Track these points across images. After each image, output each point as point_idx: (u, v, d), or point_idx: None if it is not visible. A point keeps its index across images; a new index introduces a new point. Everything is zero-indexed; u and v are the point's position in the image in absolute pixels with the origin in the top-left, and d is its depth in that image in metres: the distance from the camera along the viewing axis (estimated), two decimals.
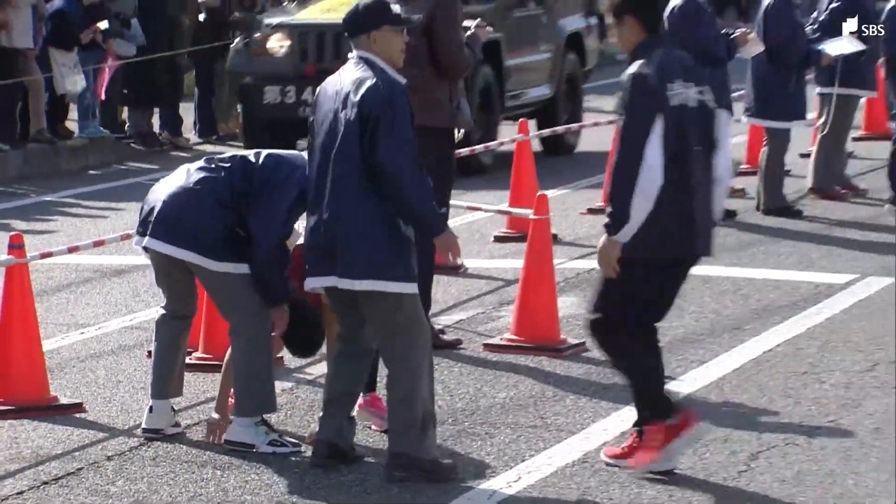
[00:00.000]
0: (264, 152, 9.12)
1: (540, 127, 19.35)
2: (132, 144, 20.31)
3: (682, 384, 10.58)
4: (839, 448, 9.40)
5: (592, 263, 13.77)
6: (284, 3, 17.87)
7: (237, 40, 18.03)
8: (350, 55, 8.74)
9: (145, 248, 9.13)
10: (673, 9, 15.43)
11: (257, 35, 17.47)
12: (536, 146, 17.90)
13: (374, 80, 8.50)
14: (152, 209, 9.05)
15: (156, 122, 20.66)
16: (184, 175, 9.11)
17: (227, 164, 9.09)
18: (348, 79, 8.57)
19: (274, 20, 17.65)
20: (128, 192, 17.43)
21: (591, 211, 15.78)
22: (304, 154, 8.91)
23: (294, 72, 17.25)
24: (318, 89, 8.79)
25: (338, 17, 15.93)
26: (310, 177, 8.71)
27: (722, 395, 10.42)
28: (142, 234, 9.10)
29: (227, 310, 9.26)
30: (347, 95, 8.51)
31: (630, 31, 8.80)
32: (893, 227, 15.25)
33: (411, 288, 8.60)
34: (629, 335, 8.84)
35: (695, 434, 8.83)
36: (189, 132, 21.08)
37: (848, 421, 9.86)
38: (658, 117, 8.58)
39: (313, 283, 8.75)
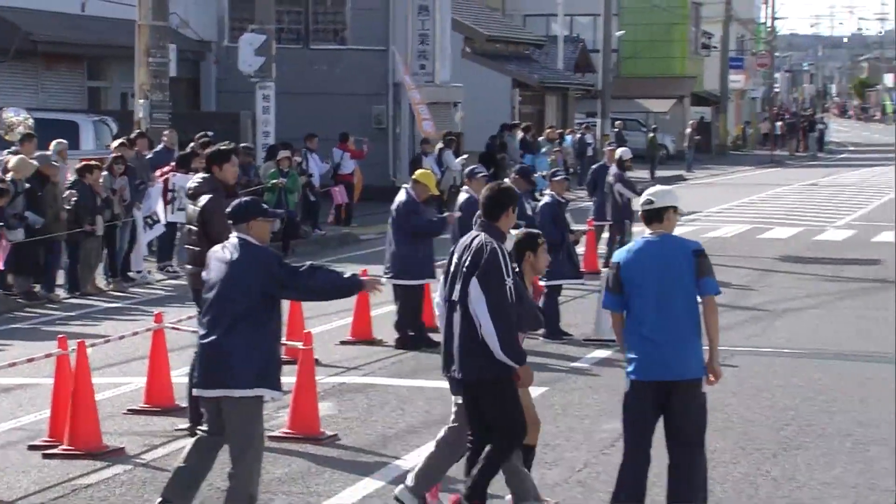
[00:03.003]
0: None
1: None
2: (17, 300, 19.75)
3: (406, 462, 10.57)
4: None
5: (341, 379, 13.83)
6: None
7: None
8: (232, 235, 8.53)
9: None
10: (399, 204, 15.63)
11: None
12: None
13: (257, 252, 8.37)
14: None
15: None
16: None
17: None
18: (235, 252, 8.37)
19: None
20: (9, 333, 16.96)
21: (343, 342, 15.80)
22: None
23: None
24: (207, 255, 8.61)
25: None
26: (207, 314, 8.37)
27: None
28: None
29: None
30: (237, 263, 8.31)
31: None
32: (545, 352, 15.47)
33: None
34: None
35: None
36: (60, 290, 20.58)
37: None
38: None
39: (205, 394, 8.36)
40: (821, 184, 48.37)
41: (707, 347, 8.39)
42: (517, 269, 8.81)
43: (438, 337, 15.70)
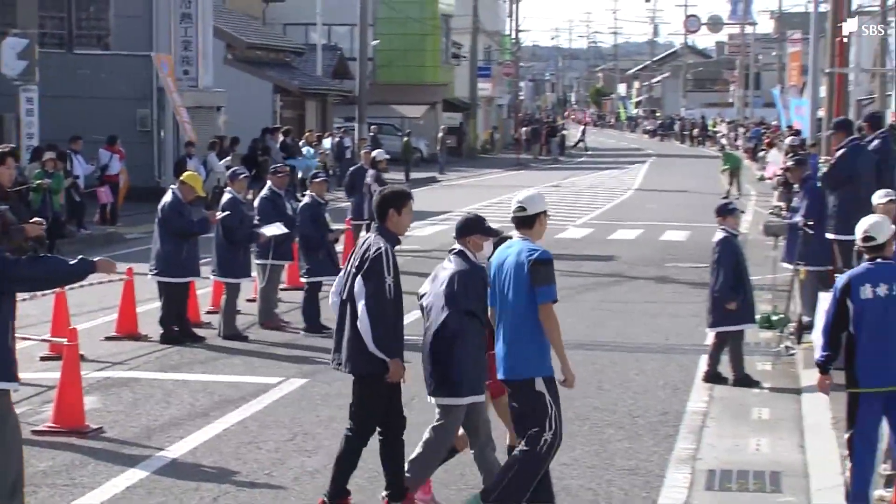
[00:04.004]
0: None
1: None
2: None
3: (170, 452, 10.47)
4: (271, 490, 9.47)
5: (106, 374, 13.58)
6: None
7: None
8: None
9: None
10: (165, 204, 15.42)
11: None
12: None
13: None
14: None
15: None
16: None
17: None
18: None
19: None
20: None
21: (108, 338, 15.50)
22: None
23: None
24: None
25: None
26: None
27: (195, 460, 10.32)
28: None
29: None
30: None
31: None
32: (306, 345, 15.49)
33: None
34: None
35: None
36: None
37: (277, 472, 9.94)
38: None
39: None
40: (562, 185, 49.54)
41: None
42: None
43: (203, 332, 15.75)
